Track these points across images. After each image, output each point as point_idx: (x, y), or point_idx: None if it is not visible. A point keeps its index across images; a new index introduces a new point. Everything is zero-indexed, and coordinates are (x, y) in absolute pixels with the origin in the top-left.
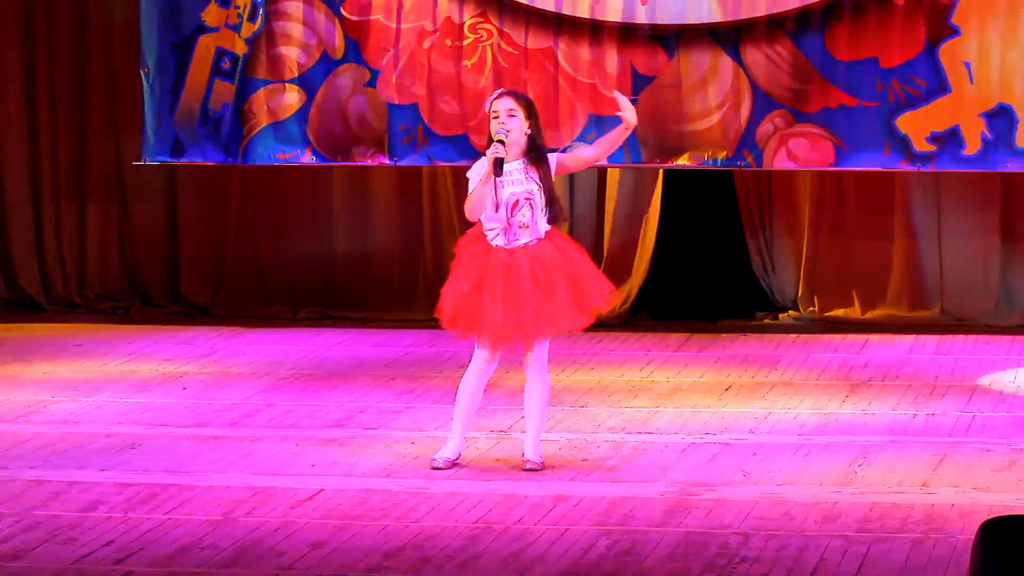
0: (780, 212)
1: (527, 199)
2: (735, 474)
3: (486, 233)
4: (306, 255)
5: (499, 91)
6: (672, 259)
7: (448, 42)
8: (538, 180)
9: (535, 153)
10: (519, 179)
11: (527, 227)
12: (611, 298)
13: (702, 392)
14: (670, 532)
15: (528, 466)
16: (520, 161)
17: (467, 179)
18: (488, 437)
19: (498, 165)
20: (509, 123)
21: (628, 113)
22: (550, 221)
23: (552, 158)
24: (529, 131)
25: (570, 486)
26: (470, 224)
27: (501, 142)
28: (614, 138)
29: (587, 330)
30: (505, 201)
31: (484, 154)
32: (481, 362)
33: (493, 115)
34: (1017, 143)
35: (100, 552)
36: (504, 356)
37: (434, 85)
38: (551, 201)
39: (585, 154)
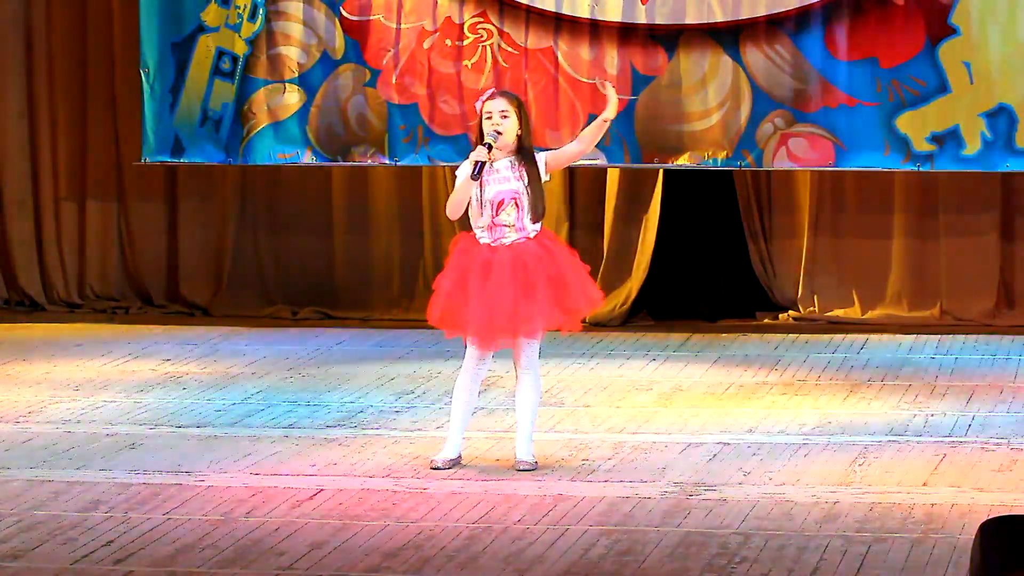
0: (780, 212)
1: (513, 199)
2: (735, 474)
3: (475, 231)
4: (306, 255)
5: (491, 91)
6: (672, 259)
7: (448, 42)
8: (526, 180)
9: (523, 152)
10: (507, 178)
11: (512, 226)
12: (598, 304)
13: (702, 392)
14: (670, 532)
15: (521, 467)
16: (509, 160)
17: (455, 177)
18: (488, 437)
19: (478, 168)
20: (503, 124)
21: (610, 107)
22: (535, 220)
23: (540, 158)
24: (520, 131)
25: (570, 486)
26: (468, 222)
27: (489, 146)
28: (595, 131)
29: (587, 330)
30: (490, 200)
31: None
32: (472, 361)
33: (486, 116)
34: (1017, 143)
35: (100, 552)
36: (497, 355)
37: (434, 85)
38: (537, 201)
39: (570, 149)
